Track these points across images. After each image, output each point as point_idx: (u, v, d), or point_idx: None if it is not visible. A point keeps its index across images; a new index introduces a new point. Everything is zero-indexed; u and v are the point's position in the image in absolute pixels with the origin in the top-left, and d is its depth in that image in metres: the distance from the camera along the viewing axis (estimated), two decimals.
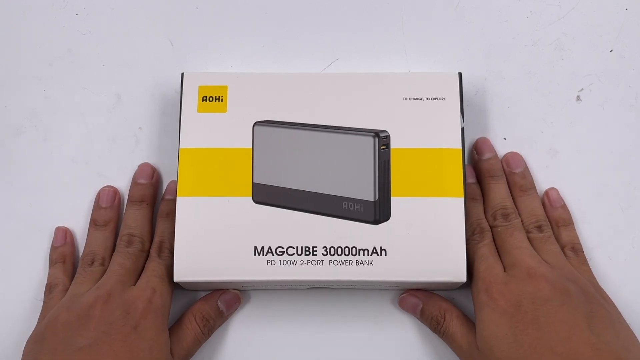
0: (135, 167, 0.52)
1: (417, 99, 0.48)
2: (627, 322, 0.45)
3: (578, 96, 0.53)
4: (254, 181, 0.47)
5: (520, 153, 0.52)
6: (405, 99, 0.48)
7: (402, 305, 0.49)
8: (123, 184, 0.52)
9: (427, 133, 0.47)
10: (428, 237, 0.46)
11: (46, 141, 0.53)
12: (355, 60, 0.54)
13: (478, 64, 0.54)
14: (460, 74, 0.48)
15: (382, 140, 0.46)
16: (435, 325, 0.47)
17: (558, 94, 0.53)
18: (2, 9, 0.56)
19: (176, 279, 0.46)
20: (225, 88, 0.48)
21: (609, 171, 0.52)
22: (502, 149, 0.52)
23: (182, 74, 0.49)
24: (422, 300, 0.48)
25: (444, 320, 0.47)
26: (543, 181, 0.52)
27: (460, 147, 0.47)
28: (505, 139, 0.53)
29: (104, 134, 0.53)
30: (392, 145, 0.47)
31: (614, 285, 0.48)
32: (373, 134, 0.46)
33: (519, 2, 0.55)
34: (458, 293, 0.50)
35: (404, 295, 0.49)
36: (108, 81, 0.54)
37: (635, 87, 0.53)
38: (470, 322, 0.47)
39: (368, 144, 0.46)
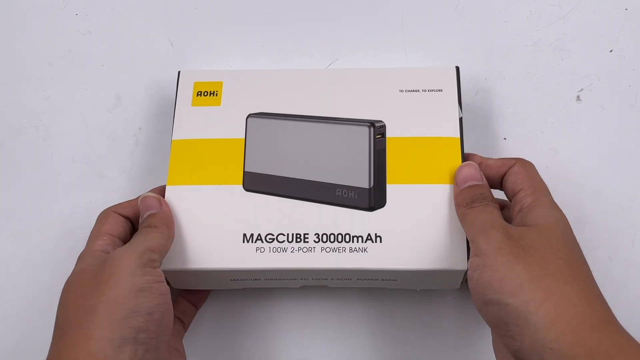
0: (135, 166, 0.52)
1: (413, 90, 0.47)
2: (628, 322, 0.45)
3: (578, 96, 0.53)
4: (245, 169, 0.46)
5: (520, 153, 0.51)
6: (401, 91, 0.47)
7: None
8: (123, 184, 0.52)
9: (425, 122, 0.46)
10: (426, 223, 0.44)
11: (46, 141, 0.53)
12: (355, 61, 0.54)
13: (478, 64, 0.54)
14: (457, 68, 0.48)
15: (377, 129, 0.45)
16: None
17: (558, 94, 0.53)
18: (2, 9, 0.56)
19: (163, 267, 0.43)
20: (220, 84, 0.48)
21: (609, 171, 0.52)
22: (502, 149, 0.52)
23: (179, 72, 0.49)
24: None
25: None
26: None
27: (459, 135, 0.46)
28: (505, 139, 0.53)
29: (104, 134, 0.53)
30: (390, 134, 0.46)
31: (614, 285, 0.48)
32: (368, 123, 0.45)
33: (519, 2, 0.55)
34: (460, 292, 0.50)
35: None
36: (108, 81, 0.54)
37: (635, 87, 0.53)
38: None
39: (363, 134, 0.45)
